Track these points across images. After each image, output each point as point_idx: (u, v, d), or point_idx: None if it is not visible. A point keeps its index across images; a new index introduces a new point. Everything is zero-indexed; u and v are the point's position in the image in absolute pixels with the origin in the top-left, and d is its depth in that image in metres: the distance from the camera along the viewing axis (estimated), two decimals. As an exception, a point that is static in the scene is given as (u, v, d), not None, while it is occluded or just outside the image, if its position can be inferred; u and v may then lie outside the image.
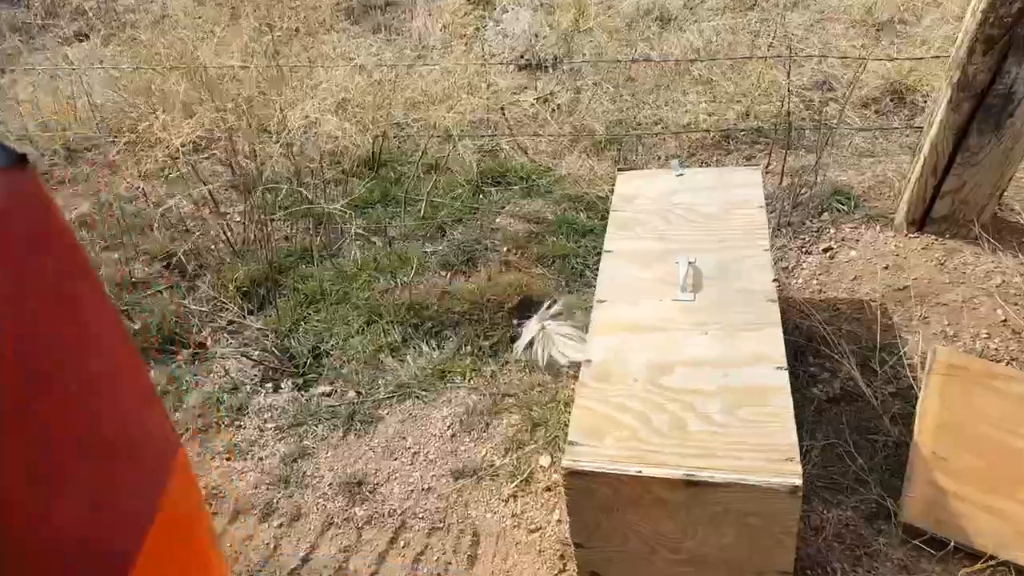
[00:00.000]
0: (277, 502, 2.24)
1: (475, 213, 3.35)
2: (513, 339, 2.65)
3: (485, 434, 2.32)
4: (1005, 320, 2.33)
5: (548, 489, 2.12)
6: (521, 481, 2.15)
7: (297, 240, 3.32)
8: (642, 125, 3.67)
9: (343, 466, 2.30)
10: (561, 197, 3.34)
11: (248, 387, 2.65)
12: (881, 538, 1.86)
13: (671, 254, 2.08)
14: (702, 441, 1.51)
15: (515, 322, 2.71)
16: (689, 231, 2.17)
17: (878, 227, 2.80)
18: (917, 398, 2.13)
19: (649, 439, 1.54)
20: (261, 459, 2.38)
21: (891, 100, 3.56)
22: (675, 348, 1.76)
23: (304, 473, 2.31)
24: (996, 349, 2.26)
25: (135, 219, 3.51)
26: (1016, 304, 2.37)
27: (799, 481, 1.40)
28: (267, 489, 2.28)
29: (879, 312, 2.47)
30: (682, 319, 1.85)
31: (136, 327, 2.92)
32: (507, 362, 2.60)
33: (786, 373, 1.64)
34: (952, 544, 1.75)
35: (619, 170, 2.56)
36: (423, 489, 2.19)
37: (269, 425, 2.49)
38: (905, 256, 2.63)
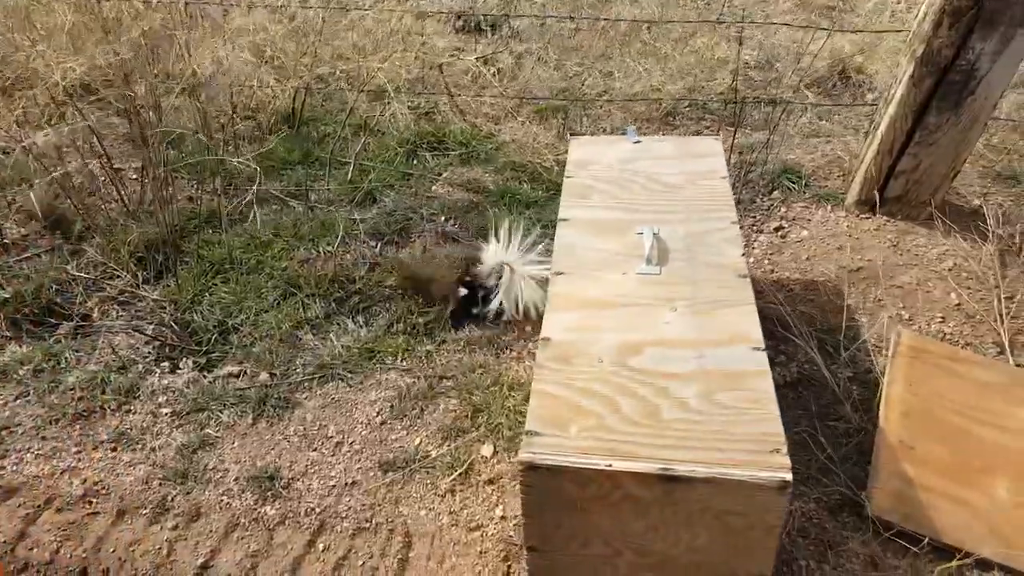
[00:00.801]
0: (172, 499, 1.92)
1: (409, 179, 3.07)
2: (455, 315, 2.41)
3: (419, 421, 2.08)
4: (959, 304, 2.27)
5: (490, 482, 1.90)
6: (460, 474, 1.92)
7: (203, 201, 2.94)
8: (587, 96, 3.47)
9: (252, 458, 2.01)
10: (503, 165, 3.11)
11: (140, 366, 2.29)
12: (847, 531, 1.74)
13: (632, 224, 1.88)
14: (678, 430, 1.33)
15: (461, 290, 2.45)
16: (650, 201, 1.98)
17: (829, 207, 2.71)
18: (876, 383, 2.04)
19: (619, 428, 1.34)
20: (154, 449, 2.05)
21: (839, 80, 3.50)
22: (643, 326, 1.57)
23: (205, 466, 1.99)
24: (951, 333, 2.19)
25: (9, 172, 3.04)
26: (969, 288, 2.32)
27: (788, 476, 1.23)
28: (160, 484, 1.96)
29: (833, 294, 2.37)
30: (648, 294, 1.66)
31: (6, 295, 2.49)
32: (444, 341, 2.36)
33: (765, 355, 1.47)
34: (925, 539, 1.64)
35: (571, 134, 2.35)
36: (347, 484, 1.93)
37: (164, 410, 2.16)
38: (858, 237, 2.55)
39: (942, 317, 2.24)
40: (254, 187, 2.94)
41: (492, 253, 2.40)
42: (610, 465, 1.27)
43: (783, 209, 2.73)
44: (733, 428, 1.32)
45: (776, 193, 2.80)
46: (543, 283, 2.19)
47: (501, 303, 2.37)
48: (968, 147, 2.39)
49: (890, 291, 2.34)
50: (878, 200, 2.54)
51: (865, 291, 2.36)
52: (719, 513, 1.30)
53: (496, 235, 2.42)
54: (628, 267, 1.74)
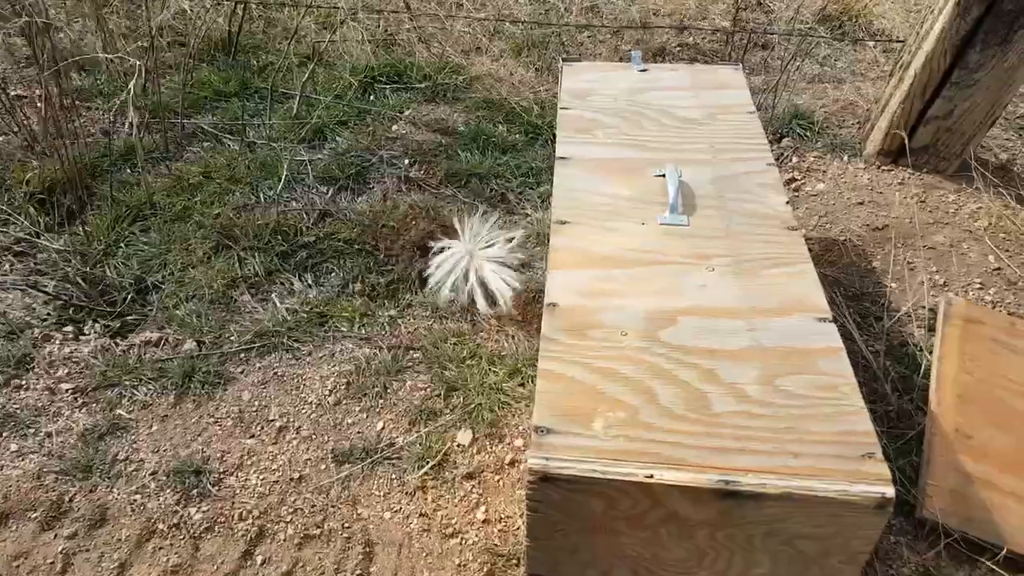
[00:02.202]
0: (71, 500, 1.53)
1: (365, 117, 2.64)
2: (423, 276, 2.04)
3: (382, 401, 1.72)
4: (999, 268, 2.01)
5: (469, 477, 1.56)
6: (432, 467, 1.58)
7: (120, 136, 2.47)
8: (569, 25, 3.08)
9: (174, 446, 1.62)
10: (475, 104, 2.70)
11: (36, 331, 1.86)
12: (895, 536, 1.47)
13: (647, 166, 1.54)
14: (736, 428, 1.01)
15: (425, 256, 2.09)
16: (666, 138, 1.63)
17: (845, 157, 2.41)
18: (915, 359, 1.76)
19: (658, 424, 1.01)
20: (49, 435, 1.65)
21: (846, 19, 3.19)
22: (674, 289, 1.23)
23: (114, 457, 1.60)
24: (992, 302, 1.93)
25: None
26: (1008, 251, 2.05)
27: (889, 491, 0.93)
28: (56, 480, 1.56)
29: (857, 255, 2.08)
30: (676, 249, 1.32)
31: None
32: (410, 305, 1.99)
33: (835, 327, 1.16)
34: (990, 546, 1.38)
35: (564, 60, 1.97)
36: (292, 480, 1.56)
37: (65, 386, 1.74)
38: (880, 191, 2.26)
39: (980, 283, 1.98)
40: (192, 121, 2.48)
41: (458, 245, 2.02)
42: (651, 476, 0.95)
43: (795, 159, 2.42)
44: (807, 425, 1.00)
45: (786, 141, 2.48)
46: (511, 269, 1.83)
47: (450, 290, 2.00)
48: (1011, 91, 2.11)
49: (920, 252, 2.06)
50: (908, 149, 2.25)
51: (892, 252, 2.08)
52: (789, 538, 0.99)
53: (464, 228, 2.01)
54: (647, 215, 1.40)
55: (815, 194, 2.29)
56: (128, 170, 2.32)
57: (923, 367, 1.72)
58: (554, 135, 2.63)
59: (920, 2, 3.27)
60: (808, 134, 2.48)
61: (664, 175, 1.48)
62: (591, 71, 1.92)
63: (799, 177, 2.36)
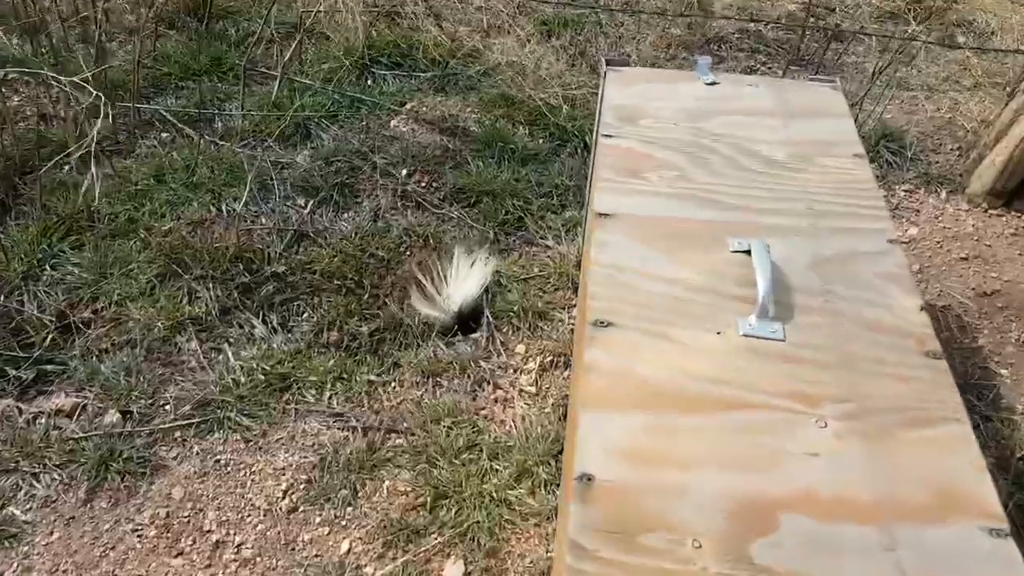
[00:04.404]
0: (-68, 639, 1.17)
1: (359, 108, 2.20)
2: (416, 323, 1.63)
3: (350, 511, 1.33)
4: None
5: (458, 631, 1.19)
6: (410, 616, 1.20)
7: (58, 123, 2.05)
8: (608, 5, 2.60)
9: (77, 567, 1.24)
10: (492, 98, 2.26)
11: (-77, 384, 1.48)
12: None
13: (722, 231, 1.12)
14: None
15: (422, 294, 1.69)
16: (747, 188, 1.20)
17: (943, 193, 1.96)
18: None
19: None
20: (-81, 538, 1.28)
21: (924, 10, 2.69)
22: (770, 460, 0.82)
23: (-4, 579, 1.23)
24: None
25: None
26: None
27: None
28: (-84, 609, 1.20)
29: (957, 327, 1.66)
30: (770, 382, 0.90)
31: None
32: (397, 364, 1.59)
33: (1014, 546, 0.75)
34: None
35: (608, 63, 1.52)
36: (225, 625, 1.19)
37: (-52, 466, 1.37)
38: (989, 243, 1.82)
39: (1120, 376, 1.55)
40: (151, 107, 2.06)
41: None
42: None
43: (881, 192, 1.97)
44: None
45: (871, 167, 2.03)
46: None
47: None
48: None
49: (1041, 329, 1.64)
50: (1017, 190, 1.80)
51: (1004, 326, 1.65)
52: None
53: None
54: (723, 318, 0.98)
55: (906, 241, 1.85)
56: (66, 168, 1.91)
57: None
58: (585, 143, 2.20)
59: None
60: (898, 160, 2.03)
61: (748, 251, 1.06)
62: (643, 80, 1.48)
63: (885, 215, 1.92)
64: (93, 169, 1.47)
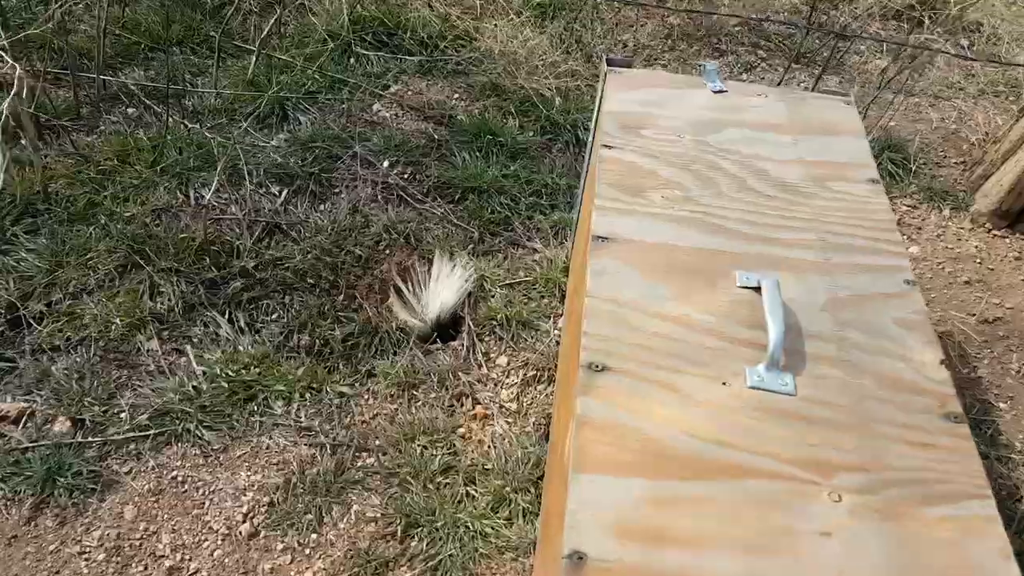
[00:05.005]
0: None
1: (341, 90, 2.07)
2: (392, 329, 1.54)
3: (315, 537, 1.24)
4: None
5: (426, 674, 1.11)
6: (375, 656, 1.12)
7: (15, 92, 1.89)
8: (608, -9, 2.48)
9: (15, 593, 1.15)
10: (482, 86, 2.13)
11: None
12: None
13: (729, 261, 1.03)
14: None
15: (400, 298, 1.59)
16: (756, 213, 1.12)
17: (946, 210, 1.89)
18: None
19: None
20: None
21: (925, 9, 2.59)
22: (780, 542, 0.75)
23: (-75, 605, 1.13)
24: None
25: None
26: None
27: None
28: None
29: (957, 355, 1.60)
30: (780, 445, 0.83)
31: None
32: (372, 374, 1.50)
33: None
34: None
35: (609, 63, 1.42)
36: (176, 662, 1.11)
37: None
38: (992, 266, 1.76)
39: (1120, 414, 1.51)
40: (116, 79, 1.91)
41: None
42: None
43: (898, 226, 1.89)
44: None
45: (872, 178, 1.96)
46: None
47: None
48: None
49: (1041, 360, 1.59)
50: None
51: (1005, 356, 1.60)
52: None
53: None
54: (729, 365, 0.90)
55: (906, 258, 1.78)
56: (19, 142, 1.76)
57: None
58: (578, 138, 2.10)
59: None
60: (901, 172, 1.95)
61: (756, 288, 0.98)
62: (646, 84, 1.38)
63: (886, 231, 1.85)
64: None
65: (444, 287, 1.57)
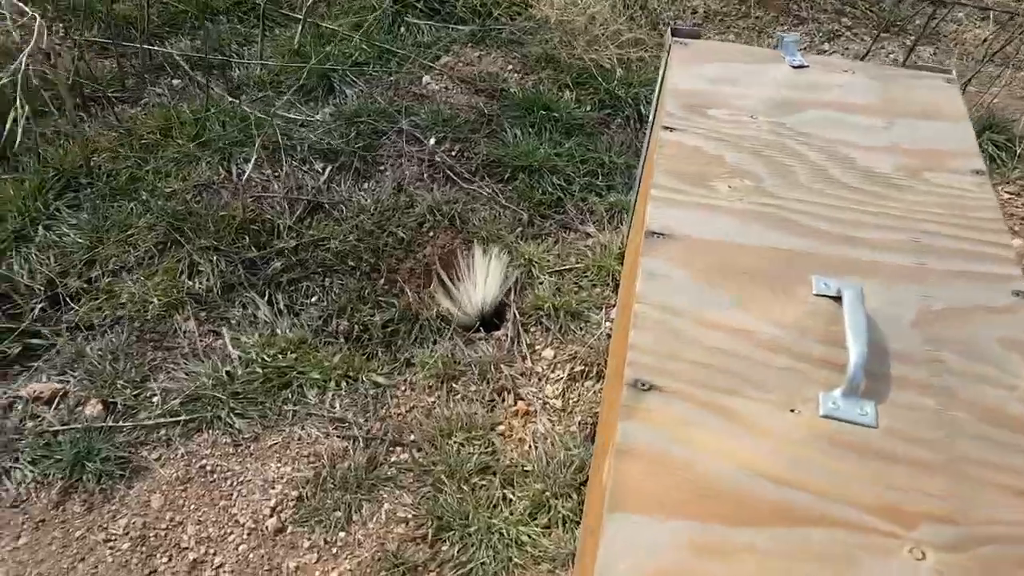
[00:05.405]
0: None
1: (390, 61, 1.99)
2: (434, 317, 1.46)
3: (344, 535, 1.19)
4: None
5: None
6: (400, 670, 1.06)
7: (62, 62, 1.88)
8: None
9: (42, 579, 1.14)
10: (537, 57, 2.01)
11: (-100, 354, 1.37)
12: None
13: (804, 264, 0.90)
14: None
15: (443, 286, 1.52)
16: (839, 209, 0.98)
17: (1055, 200, 1.68)
18: None
19: None
20: None
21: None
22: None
23: (-44, 586, 1.13)
24: None
25: None
26: None
27: None
28: None
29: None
30: (854, 489, 0.71)
31: None
32: (410, 363, 1.43)
33: None
34: None
35: (674, 33, 1.28)
36: (196, 661, 1.07)
37: (-81, 450, 1.26)
38: (1108, 265, 1.54)
39: None
40: (161, 50, 1.87)
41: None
42: None
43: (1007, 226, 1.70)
44: None
45: (969, 162, 1.75)
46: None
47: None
48: None
49: None
50: None
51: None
52: None
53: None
54: (799, 389, 0.78)
55: (1006, 254, 1.59)
56: (59, 116, 1.74)
57: None
58: (639, 113, 1.95)
59: None
60: (1003, 155, 1.74)
61: (836, 297, 0.85)
62: (716, 58, 1.24)
63: (983, 222, 1.65)
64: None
65: (489, 278, 1.48)
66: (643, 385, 0.78)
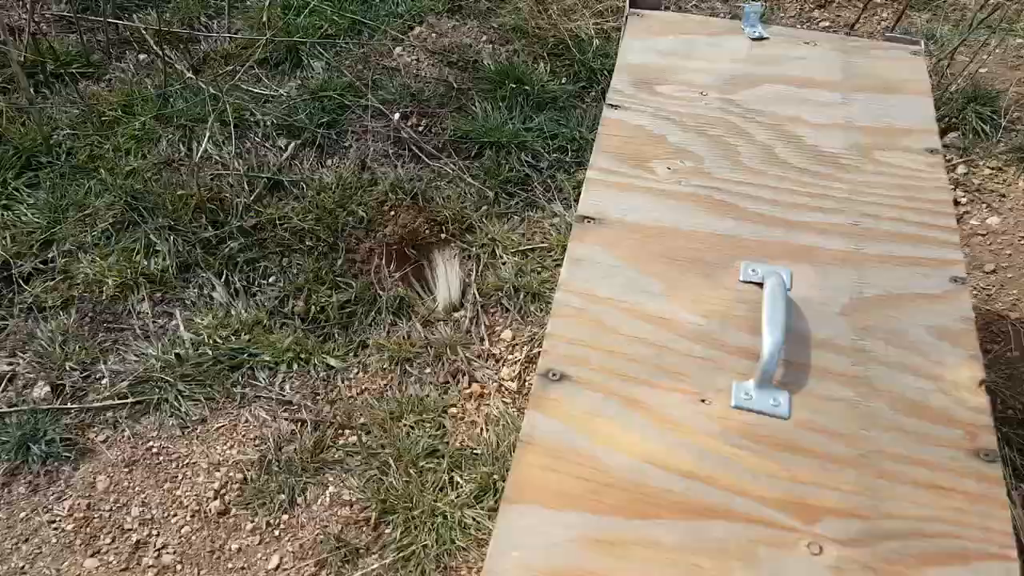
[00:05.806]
0: None
1: (361, 31, 1.94)
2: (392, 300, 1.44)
3: (287, 519, 1.19)
4: None
5: (388, 675, 1.05)
6: (335, 653, 1.06)
7: (33, 34, 1.85)
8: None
9: (-15, 559, 1.14)
10: (511, 27, 1.96)
11: None
12: None
13: (738, 249, 0.87)
14: None
15: (401, 268, 1.50)
16: (779, 191, 0.94)
17: (1040, 176, 1.62)
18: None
19: None
20: None
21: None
22: (741, 607, 0.61)
23: (-99, 565, 1.14)
24: None
25: None
26: None
27: None
28: None
29: (1034, 347, 1.38)
30: (754, 484, 0.68)
31: None
32: (364, 345, 1.41)
33: None
34: None
35: (632, 4, 1.23)
36: (134, 642, 1.08)
37: None
38: (1090, 244, 1.49)
39: None
40: (127, 23, 1.84)
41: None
42: None
43: (961, 168, 1.64)
44: None
45: (953, 136, 1.70)
46: None
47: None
48: None
49: None
50: None
51: (1095, 354, 1.36)
52: None
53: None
54: (715, 380, 0.75)
55: (984, 232, 1.54)
56: (13, 92, 1.72)
57: None
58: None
59: None
60: (988, 129, 1.68)
61: (760, 285, 0.82)
62: (672, 30, 1.19)
63: (963, 200, 1.60)
64: None
65: (451, 280, 1.46)
66: (554, 375, 0.76)
